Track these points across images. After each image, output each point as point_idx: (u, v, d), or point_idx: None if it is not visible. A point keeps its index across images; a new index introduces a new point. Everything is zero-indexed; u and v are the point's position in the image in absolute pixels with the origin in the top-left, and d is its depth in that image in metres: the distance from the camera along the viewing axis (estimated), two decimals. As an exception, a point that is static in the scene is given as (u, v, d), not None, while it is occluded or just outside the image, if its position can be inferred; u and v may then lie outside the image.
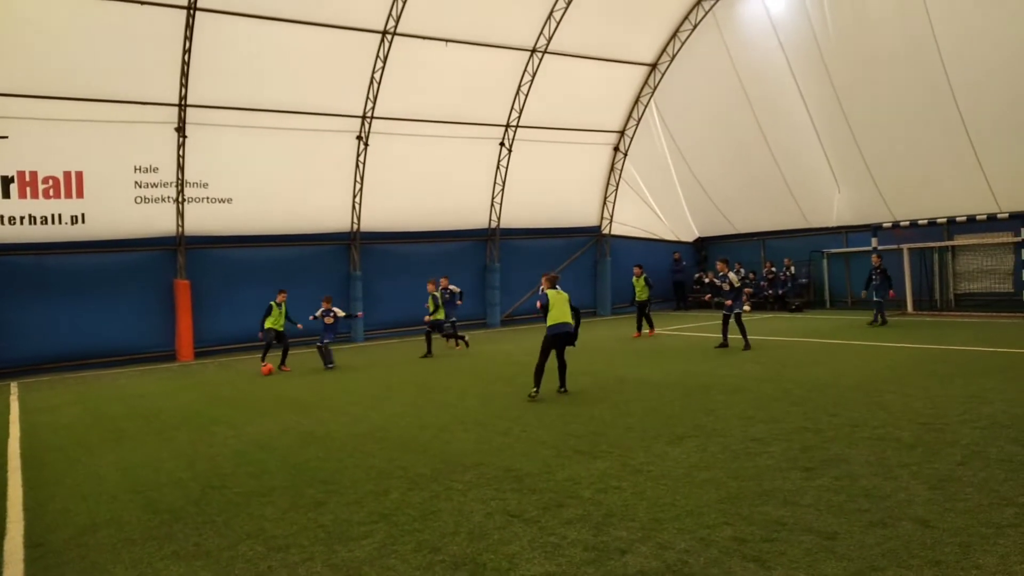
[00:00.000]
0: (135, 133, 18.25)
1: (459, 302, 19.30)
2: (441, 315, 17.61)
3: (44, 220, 17.73)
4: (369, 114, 21.03)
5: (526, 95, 23.15)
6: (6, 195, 17.24)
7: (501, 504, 5.89)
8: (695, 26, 23.69)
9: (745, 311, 17.28)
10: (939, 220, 20.27)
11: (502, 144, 23.90)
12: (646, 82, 25.42)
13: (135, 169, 18.61)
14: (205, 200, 19.69)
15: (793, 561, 4.48)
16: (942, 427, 7.59)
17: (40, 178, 17.54)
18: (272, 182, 20.43)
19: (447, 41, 20.78)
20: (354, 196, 21.86)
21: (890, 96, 20.39)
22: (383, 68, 20.32)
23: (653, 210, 28.22)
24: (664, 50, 24.68)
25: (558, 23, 21.82)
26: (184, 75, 18.06)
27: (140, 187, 18.77)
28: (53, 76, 16.84)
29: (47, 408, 12.65)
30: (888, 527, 4.92)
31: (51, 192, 17.69)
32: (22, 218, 17.52)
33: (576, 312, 10.91)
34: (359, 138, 21.27)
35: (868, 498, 5.51)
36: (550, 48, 22.46)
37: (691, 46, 24.12)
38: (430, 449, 7.89)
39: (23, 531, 6.03)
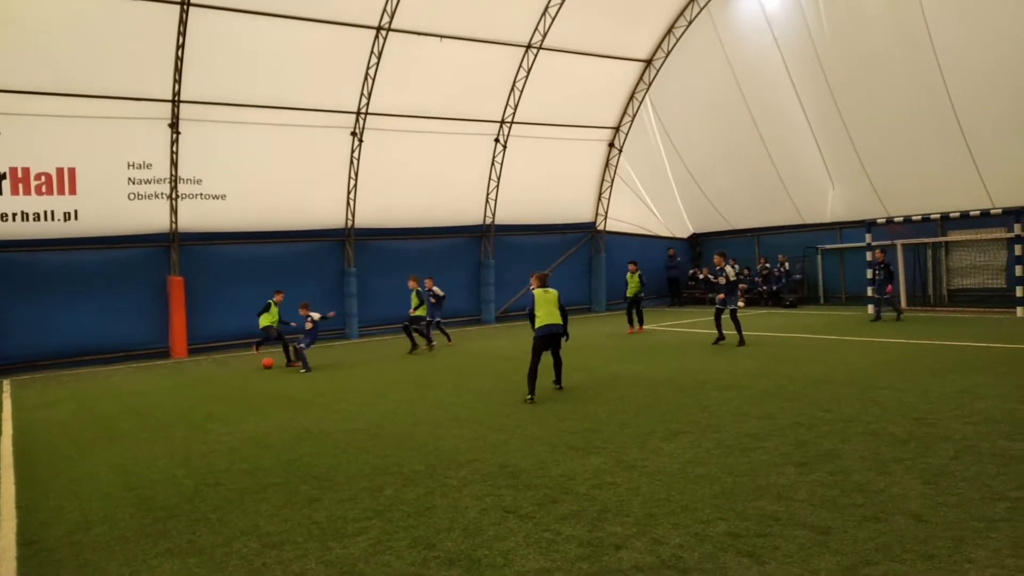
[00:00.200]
0: (128, 129, 18.18)
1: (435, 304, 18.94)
2: (423, 312, 17.36)
3: (37, 217, 17.65)
4: (364, 110, 20.98)
5: (521, 91, 23.13)
6: (-2, 192, 17.18)
7: (496, 500, 5.89)
8: (690, 22, 23.70)
9: (740, 307, 17.30)
10: (933, 216, 20.33)
11: (497, 140, 23.87)
12: (641, 78, 25.42)
13: (128, 165, 18.54)
14: (199, 197, 19.63)
15: (787, 556, 4.50)
16: (935, 422, 7.62)
17: (33, 174, 17.46)
18: (266, 178, 20.37)
19: (442, 37, 20.75)
20: (348, 192, 21.82)
21: (884, 92, 20.44)
22: (378, 64, 20.27)
23: (648, 206, 28.24)
24: (659, 46, 24.68)
25: (553, 19, 21.79)
26: (178, 71, 17.98)
27: (133, 183, 18.70)
28: (45, 72, 16.75)
29: (40, 405, 12.61)
30: (881, 521, 4.94)
31: (44, 189, 17.61)
32: (14, 215, 17.44)
33: (563, 310, 10.61)
34: (353, 134, 21.22)
35: (862, 493, 5.53)
36: (545, 44, 22.43)
37: (686, 42, 24.13)
38: (425, 445, 7.89)
39: (16, 529, 6.00)
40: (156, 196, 19.03)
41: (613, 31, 23.29)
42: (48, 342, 17.98)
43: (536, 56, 22.60)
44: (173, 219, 19.34)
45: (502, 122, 23.66)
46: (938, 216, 20.27)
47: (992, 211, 19.28)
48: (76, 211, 18.06)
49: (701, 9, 23.35)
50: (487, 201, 24.58)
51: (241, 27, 18.17)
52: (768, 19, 22.03)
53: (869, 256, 21.30)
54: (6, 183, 17.20)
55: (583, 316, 25.39)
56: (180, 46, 17.66)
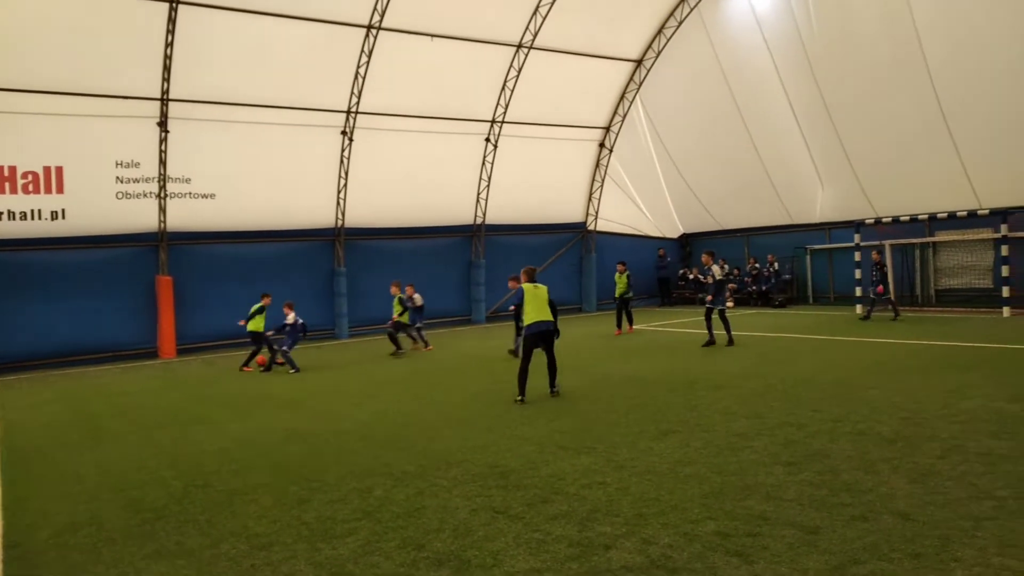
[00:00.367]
0: (116, 128, 18.06)
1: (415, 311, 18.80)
2: (406, 319, 17.20)
3: (23, 216, 17.52)
4: (354, 109, 20.93)
5: (512, 91, 23.13)
6: (-16, 190, 17.04)
7: (486, 500, 5.89)
8: (680, 23, 23.76)
9: (728, 307, 17.31)
10: (920, 216, 20.46)
11: (488, 140, 23.86)
12: (631, 78, 25.46)
13: (116, 164, 18.43)
14: (188, 196, 19.53)
15: (776, 555, 4.51)
16: (922, 422, 7.67)
17: (19, 173, 17.33)
18: (256, 177, 20.29)
19: (432, 36, 20.72)
20: (339, 192, 21.76)
21: (873, 93, 20.56)
22: (368, 63, 20.22)
23: (638, 206, 28.30)
24: (650, 46, 24.73)
25: (544, 18, 21.80)
26: (166, 69, 17.88)
27: (121, 182, 18.58)
28: (33, 70, 16.63)
29: (27, 406, 12.51)
30: (869, 521, 4.97)
31: (30, 187, 17.47)
32: (1, 214, 17.29)
33: (553, 307, 10.28)
34: (344, 133, 21.17)
35: (849, 492, 5.56)
36: (536, 44, 22.44)
37: (676, 43, 24.19)
38: (415, 446, 7.87)
39: (1, 531, 5.95)
40: (144, 195, 18.92)
41: (604, 31, 23.32)
42: (35, 342, 17.84)
43: (527, 56, 22.60)
44: (161, 218, 19.23)
45: (493, 121, 23.65)
46: (926, 216, 20.41)
47: (979, 212, 19.43)
48: (63, 210, 17.93)
49: (691, 10, 23.42)
50: (478, 201, 24.57)
51: (231, 25, 18.08)
52: (758, 20, 22.11)
53: (858, 256, 21.45)
54: (-8, 182, 17.08)
55: (573, 316, 25.42)
56: (169, 44, 17.57)
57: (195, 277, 19.84)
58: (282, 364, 15.37)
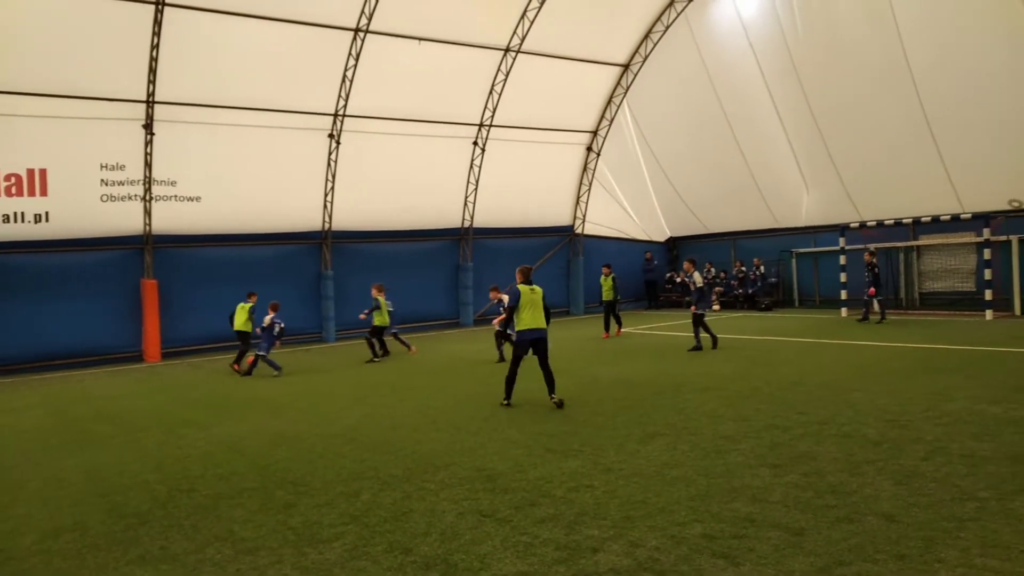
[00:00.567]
0: (101, 130, 17.92)
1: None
2: (386, 321, 16.81)
3: (6, 218, 17.34)
4: (341, 112, 20.88)
5: (499, 94, 23.15)
6: (-34, 193, 16.86)
7: (473, 504, 5.88)
8: (667, 27, 23.88)
9: (715, 310, 17.51)
10: (905, 220, 20.65)
11: (475, 143, 23.87)
12: (619, 82, 25.56)
13: (101, 167, 18.28)
14: (173, 199, 19.40)
15: (762, 557, 4.54)
16: (906, 424, 7.74)
17: (2, 175, 17.15)
18: (242, 180, 20.19)
19: (420, 39, 20.71)
20: (326, 195, 21.69)
21: (858, 99, 20.74)
22: (355, 66, 20.19)
23: (625, 210, 28.39)
24: (636, 51, 24.84)
25: (532, 22, 21.85)
26: (152, 71, 17.77)
27: (106, 185, 18.43)
28: (16, 71, 16.47)
29: (9, 410, 12.38)
30: (854, 522, 5.00)
31: (13, 190, 17.30)
32: (-17, 216, 17.14)
33: (547, 311, 10.04)
34: (331, 136, 21.11)
35: (835, 494, 5.60)
36: (523, 48, 22.48)
37: (663, 47, 24.31)
38: (402, 450, 7.85)
39: (-17, 537, 5.88)
40: (129, 198, 18.78)
41: (591, 35, 23.40)
42: (18, 346, 17.62)
43: (515, 59, 22.64)
44: (147, 221, 19.09)
45: (480, 125, 23.66)
46: (910, 220, 20.60)
47: (962, 215, 19.63)
48: (47, 213, 17.77)
49: (678, 14, 23.55)
50: (465, 204, 24.56)
51: (217, 27, 18.00)
52: (744, 25, 22.27)
53: (843, 260, 21.60)
54: (-25, 184, 16.91)
55: (561, 319, 25.43)
56: (155, 46, 17.46)
57: (180, 280, 19.70)
58: (253, 365, 15.21)
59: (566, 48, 23.38)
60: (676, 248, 29.69)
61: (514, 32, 22.09)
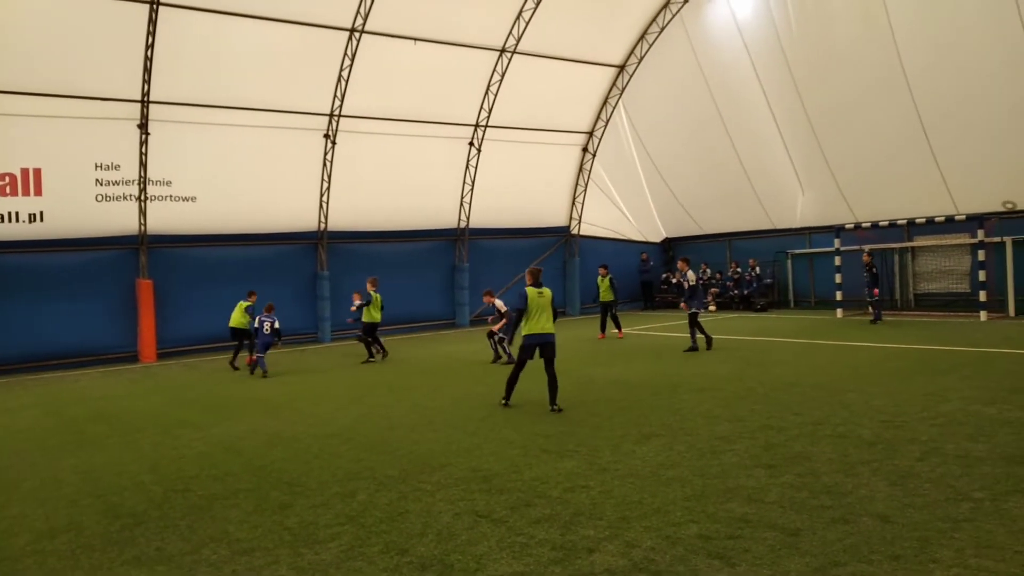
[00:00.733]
0: (96, 130, 17.87)
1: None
2: (377, 317, 16.40)
3: (1, 218, 17.28)
4: (337, 112, 20.86)
5: (495, 95, 23.16)
6: (-39, 192, 16.80)
7: (469, 504, 5.89)
8: (662, 28, 23.93)
9: (710, 311, 17.49)
10: (899, 221, 20.73)
11: (471, 144, 23.87)
12: (614, 83, 25.59)
13: (96, 166, 18.22)
14: (168, 198, 19.35)
15: (757, 558, 4.55)
16: (901, 424, 7.76)
17: (-4, 175, 17.11)
18: (238, 180, 20.15)
19: (416, 40, 20.71)
20: (321, 195, 21.67)
21: (853, 100, 20.81)
22: (351, 66, 20.17)
23: (621, 211, 28.41)
24: (632, 52, 24.88)
25: (527, 23, 21.86)
26: (147, 71, 17.72)
27: (101, 185, 18.38)
28: (10, 70, 16.41)
29: (4, 411, 12.33)
30: (849, 523, 5.02)
31: (8, 190, 17.24)
32: (-23, 216, 17.09)
33: (555, 313, 9.88)
34: (327, 136, 21.08)
35: (830, 495, 5.62)
36: (519, 48, 22.50)
37: (658, 48, 24.35)
38: (398, 450, 7.85)
39: (-22, 537, 5.87)
40: (124, 198, 18.72)
41: (587, 36, 23.43)
42: (13, 346, 17.55)
43: (510, 60, 22.65)
44: (142, 221, 19.04)
45: (476, 125, 23.67)
46: (904, 222, 20.67)
47: (956, 217, 19.71)
48: (42, 212, 17.71)
49: (673, 16, 23.59)
50: (461, 204, 24.55)
51: (212, 27, 17.97)
52: (739, 26, 22.32)
53: (838, 261, 21.65)
54: (-31, 184, 16.85)
55: (557, 320, 25.39)
56: (149, 46, 17.42)
57: (176, 280, 19.65)
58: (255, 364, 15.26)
59: (562, 49, 23.40)
60: (672, 249, 29.71)
61: (510, 33, 22.10)
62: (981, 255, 18.98)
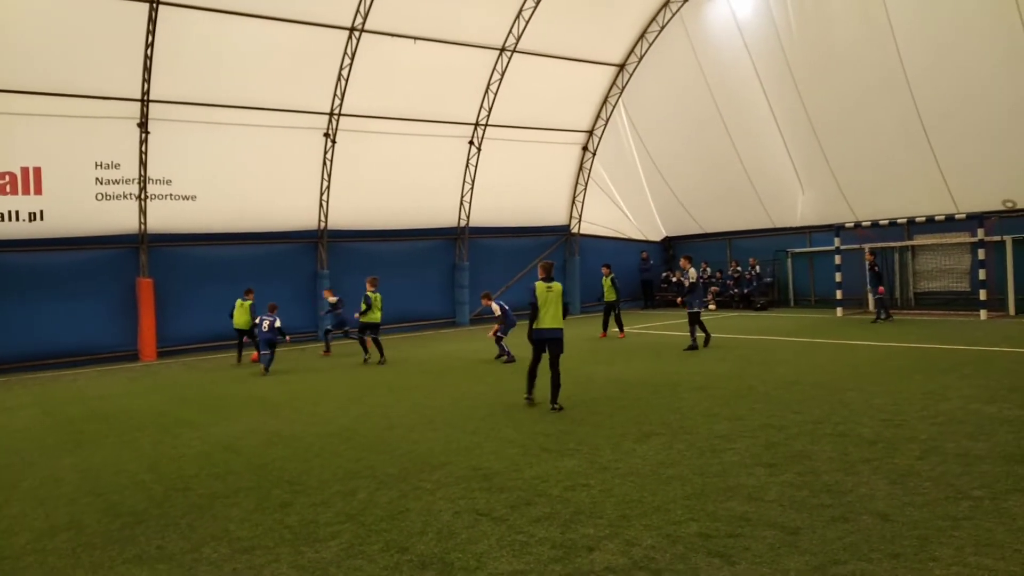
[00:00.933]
0: (96, 129, 17.86)
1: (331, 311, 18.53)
2: (377, 318, 15.99)
3: (1, 217, 17.27)
4: (337, 111, 20.85)
5: (495, 94, 23.15)
6: (-40, 191, 16.80)
7: (469, 503, 5.89)
8: (662, 27, 23.91)
9: (710, 310, 17.47)
10: (899, 220, 20.72)
11: (471, 142, 23.86)
12: (614, 82, 25.58)
13: (96, 165, 18.22)
14: (169, 197, 19.35)
15: (757, 556, 4.55)
16: (901, 423, 7.76)
17: (-4, 174, 17.11)
18: (238, 179, 20.15)
19: (416, 39, 20.70)
20: (321, 194, 21.67)
21: (853, 99, 20.80)
22: (351, 65, 20.16)
23: (621, 209, 28.41)
24: (632, 51, 24.86)
25: (527, 22, 21.86)
26: (147, 70, 17.72)
27: (101, 184, 18.38)
28: (10, 69, 16.42)
29: (4, 409, 12.33)
30: (849, 521, 5.02)
31: (8, 188, 17.24)
32: (-23, 215, 17.08)
33: (566, 308, 9.83)
34: (327, 135, 21.08)
35: (830, 493, 5.62)
36: (519, 47, 22.49)
37: (658, 47, 24.34)
38: (398, 449, 7.85)
39: (-22, 536, 5.87)
40: (125, 197, 18.72)
41: (586, 35, 23.42)
42: (12, 345, 17.55)
43: (510, 59, 22.64)
44: (142, 220, 19.04)
45: (476, 124, 23.66)
46: (905, 220, 20.67)
47: (956, 216, 19.70)
48: (42, 211, 17.71)
49: (673, 15, 23.58)
50: (461, 203, 24.55)
51: (212, 26, 17.96)
52: (739, 25, 22.31)
53: (838, 259, 21.65)
54: (-31, 182, 16.85)
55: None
56: (149, 45, 17.41)
57: (176, 279, 19.65)
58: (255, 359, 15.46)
59: (562, 48, 23.39)
60: (672, 248, 29.72)
61: (509, 31, 22.09)
62: (981, 254, 18.97)
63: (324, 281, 21.92)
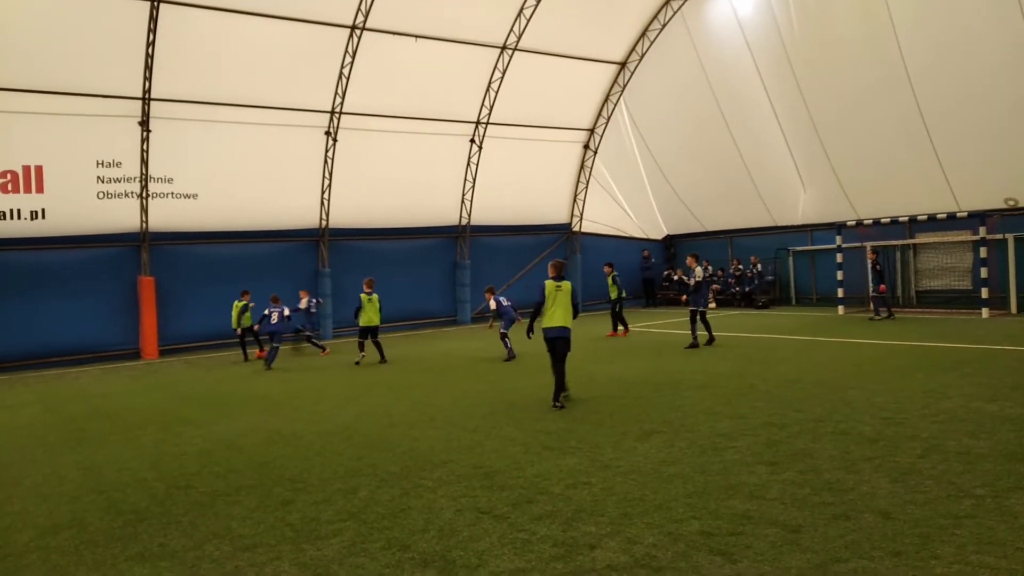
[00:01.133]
0: (97, 127, 17.89)
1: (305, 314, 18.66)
2: (374, 320, 15.49)
3: (2, 215, 17.31)
4: (338, 109, 20.85)
5: (496, 92, 23.14)
6: (-38, 190, 16.83)
7: (471, 501, 5.89)
8: (664, 25, 23.88)
9: (711, 308, 17.36)
10: (901, 219, 20.70)
11: (472, 141, 23.86)
12: (615, 80, 25.56)
13: (97, 164, 18.25)
14: (170, 196, 19.37)
15: (759, 554, 4.55)
16: (903, 421, 7.76)
17: (-2, 172, 17.14)
18: (239, 178, 20.16)
19: (417, 37, 20.69)
20: (323, 192, 21.67)
21: (854, 97, 20.77)
22: (352, 63, 20.16)
23: (622, 208, 28.40)
24: (633, 49, 24.84)
25: (528, 20, 21.84)
26: (148, 68, 17.73)
27: (103, 182, 18.40)
28: (12, 67, 16.45)
29: (5, 408, 12.36)
30: (851, 519, 5.02)
31: (9, 187, 17.27)
32: (-21, 213, 17.11)
33: (575, 307, 9.70)
34: (328, 133, 21.08)
35: (831, 491, 5.62)
36: (520, 45, 22.47)
37: (660, 45, 24.32)
38: (399, 447, 7.86)
39: (-19, 534, 5.88)
40: (126, 195, 18.74)
41: (588, 33, 23.39)
42: (14, 343, 17.61)
43: (511, 57, 22.62)
44: (143, 218, 19.06)
45: (478, 123, 23.65)
46: (906, 219, 20.64)
47: (958, 214, 19.68)
48: (43, 210, 17.73)
49: (675, 13, 23.55)
50: (463, 201, 24.55)
51: (213, 25, 17.96)
52: (740, 23, 22.28)
53: (840, 258, 21.64)
54: (-30, 181, 16.87)
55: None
56: (151, 43, 17.42)
57: (177, 278, 19.68)
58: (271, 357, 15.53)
59: (563, 46, 23.37)
60: (673, 246, 29.72)
61: (511, 30, 22.07)
62: (983, 252, 18.95)
63: (326, 280, 21.97)
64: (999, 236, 19.31)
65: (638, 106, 26.00)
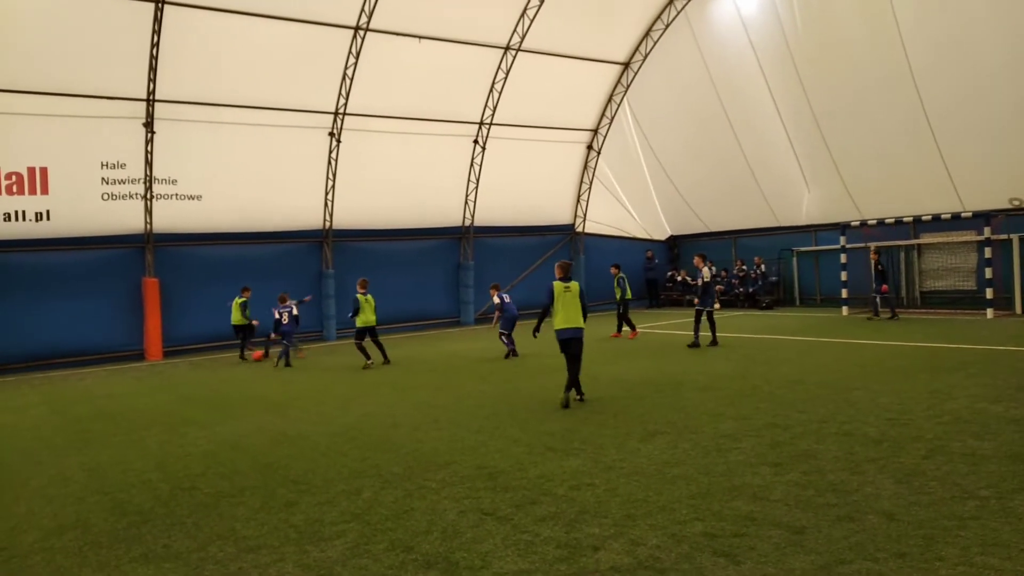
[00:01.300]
0: (102, 128, 17.94)
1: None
2: (371, 320, 15.32)
3: (7, 217, 17.36)
4: (342, 110, 20.88)
5: (500, 92, 23.15)
6: (-33, 191, 16.89)
7: (474, 502, 5.89)
8: (667, 26, 23.87)
9: (716, 308, 17.24)
10: (905, 219, 20.64)
11: (476, 141, 23.87)
12: (619, 81, 25.55)
13: (102, 165, 18.30)
14: (174, 197, 19.42)
15: (762, 555, 4.54)
16: (907, 422, 7.74)
17: (2, 174, 17.20)
18: (243, 179, 20.20)
19: (420, 37, 20.71)
20: (326, 193, 21.70)
21: (858, 97, 20.72)
22: (356, 64, 20.19)
23: (626, 208, 28.37)
24: (637, 49, 24.83)
25: (532, 20, 21.84)
26: (152, 70, 17.78)
27: (107, 183, 18.46)
28: (17, 69, 16.51)
29: (10, 409, 12.40)
30: (855, 521, 5.01)
31: (14, 188, 17.32)
32: (-16, 215, 17.17)
33: (585, 307, 9.71)
34: (331, 135, 21.11)
35: (835, 492, 5.60)
36: (524, 46, 22.48)
37: (663, 46, 24.30)
38: (403, 448, 7.87)
39: (-14, 535, 5.90)
40: (130, 196, 18.79)
41: (591, 33, 23.39)
42: (19, 345, 17.66)
43: (515, 58, 22.63)
44: (148, 220, 19.11)
45: (481, 123, 23.66)
46: (911, 219, 20.59)
47: (963, 214, 19.61)
48: (48, 211, 17.79)
49: (678, 12, 23.53)
50: (466, 202, 24.56)
51: (217, 26, 18.00)
52: (744, 23, 22.25)
53: (844, 258, 21.59)
54: (-24, 183, 16.93)
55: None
56: (155, 44, 17.47)
57: (182, 279, 19.72)
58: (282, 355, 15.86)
59: (566, 46, 23.37)
60: (677, 247, 29.68)
61: (514, 30, 22.08)
62: (988, 252, 18.89)
63: (330, 281, 22.00)
64: (1004, 236, 19.24)
65: (642, 106, 25.99)
